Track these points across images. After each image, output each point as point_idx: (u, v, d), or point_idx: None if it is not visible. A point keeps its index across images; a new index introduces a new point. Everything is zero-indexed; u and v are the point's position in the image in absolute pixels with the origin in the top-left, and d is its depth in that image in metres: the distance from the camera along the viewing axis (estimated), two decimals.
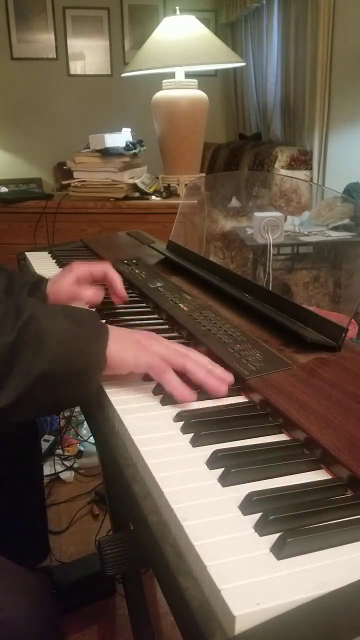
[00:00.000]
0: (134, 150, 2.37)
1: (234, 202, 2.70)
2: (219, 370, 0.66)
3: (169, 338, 0.81)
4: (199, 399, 0.64)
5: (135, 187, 2.42)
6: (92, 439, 1.95)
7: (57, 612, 0.77)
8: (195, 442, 0.55)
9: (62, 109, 4.63)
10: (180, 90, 2.37)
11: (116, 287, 0.94)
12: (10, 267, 1.01)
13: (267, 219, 2.08)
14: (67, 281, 0.92)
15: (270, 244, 2.15)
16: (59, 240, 2.37)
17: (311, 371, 0.66)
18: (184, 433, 0.57)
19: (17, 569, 0.72)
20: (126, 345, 0.67)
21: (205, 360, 0.67)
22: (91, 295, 0.92)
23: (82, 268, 0.93)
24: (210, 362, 0.68)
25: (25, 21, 4.46)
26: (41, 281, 0.93)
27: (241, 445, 0.55)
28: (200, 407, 0.62)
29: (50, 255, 1.33)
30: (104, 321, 0.74)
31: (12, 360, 0.59)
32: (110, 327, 0.68)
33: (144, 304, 0.96)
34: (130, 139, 2.41)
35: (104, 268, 0.94)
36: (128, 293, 1.03)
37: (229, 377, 0.66)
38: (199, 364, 0.66)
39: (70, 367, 0.62)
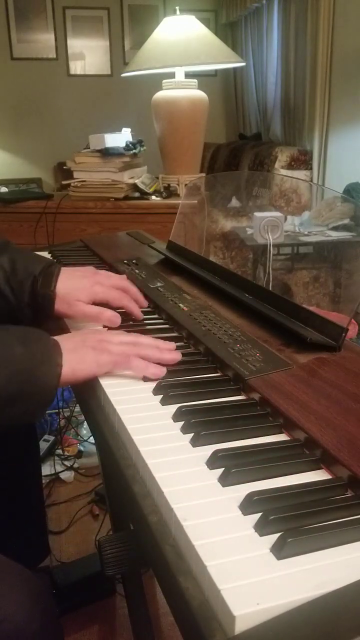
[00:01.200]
0: (134, 150, 2.37)
1: (234, 202, 2.70)
2: (164, 344, 0.73)
3: (169, 338, 0.81)
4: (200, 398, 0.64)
5: (135, 187, 2.42)
6: (92, 439, 1.95)
7: (58, 612, 0.77)
8: (195, 442, 0.55)
9: (62, 109, 4.63)
10: (180, 90, 2.37)
11: (136, 317, 0.88)
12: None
13: (267, 219, 2.08)
14: (82, 300, 0.86)
15: (270, 244, 2.15)
16: (59, 240, 2.37)
17: (311, 371, 0.66)
18: (184, 433, 0.57)
19: (17, 568, 0.72)
20: (83, 354, 0.68)
21: (151, 341, 0.73)
22: (108, 318, 0.84)
23: (102, 296, 0.87)
24: (153, 339, 0.73)
25: (25, 21, 4.46)
26: (51, 274, 0.87)
27: (241, 445, 0.55)
28: (201, 403, 0.62)
29: (50, 255, 1.32)
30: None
31: None
32: (60, 339, 0.70)
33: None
34: (130, 139, 2.41)
35: (124, 304, 0.87)
36: None
37: (172, 345, 0.74)
38: (150, 346, 0.71)
39: (19, 392, 0.63)
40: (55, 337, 0.70)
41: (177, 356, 0.72)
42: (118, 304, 0.87)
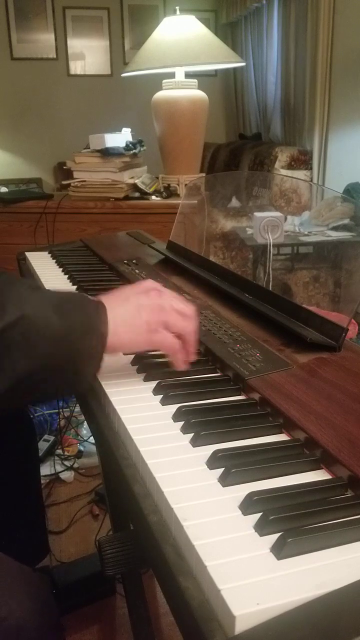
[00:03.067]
0: (134, 150, 2.37)
1: (234, 202, 2.70)
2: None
3: None
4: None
5: (135, 187, 2.42)
6: (92, 439, 1.95)
7: (58, 611, 0.77)
8: (195, 442, 0.55)
9: (62, 109, 4.63)
10: (180, 90, 2.37)
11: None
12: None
13: (267, 219, 2.08)
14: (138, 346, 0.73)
15: (270, 244, 2.15)
16: (59, 240, 2.37)
17: (311, 371, 0.66)
18: (184, 433, 0.57)
19: (18, 567, 0.72)
20: (136, 328, 0.65)
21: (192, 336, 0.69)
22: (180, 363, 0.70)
23: (160, 341, 0.70)
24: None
25: (25, 21, 4.46)
26: (97, 325, 0.69)
27: (241, 445, 0.55)
28: (201, 403, 0.62)
29: (50, 255, 1.33)
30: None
31: None
32: (109, 302, 0.66)
33: None
34: (130, 139, 2.41)
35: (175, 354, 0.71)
36: None
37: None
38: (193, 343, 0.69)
39: (58, 365, 0.61)
40: (103, 298, 0.66)
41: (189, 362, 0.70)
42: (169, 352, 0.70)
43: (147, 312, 0.66)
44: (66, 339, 0.60)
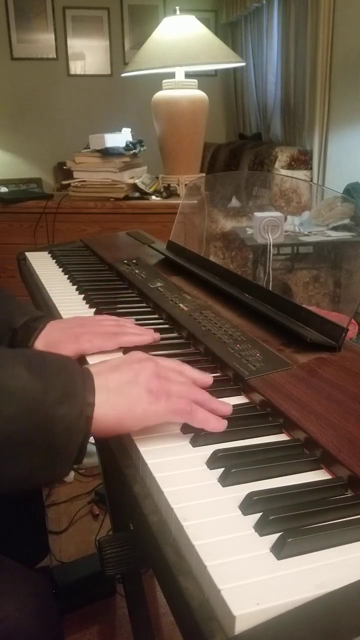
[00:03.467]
0: (134, 150, 2.37)
1: (234, 202, 2.70)
2: (217, 404, 0.58)
3: (169, 338, 0.81)
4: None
5: (135, 187, 2.42)
6: (92, 439, 1.95)
7: (58, 611, 0.77)
8: (195, 442, 0.55)
9: (62, 109, 4.63)
10: (180, 90, 2.37)
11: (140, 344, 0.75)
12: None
13: (267, 219, 2.08)
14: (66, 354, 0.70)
15: (270, 244, 2.15)
16: (59, 240, 2.37)
17: (311, 371, 0.66)
18: (184, 433, 0.57)
19: (18, 567, 0.72)
20: (135, 397, 0.53)
21: (204, 378, 0.60)
22: None
23: (90, 346, 0.73)
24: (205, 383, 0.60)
25: (25, 21, 4.46)
26: (33, 329, 0.74)
27: (241, 445, 0.55)
28: None
29: (50, 255, 1.33)
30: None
31: None
32: (97, 371, 0.54)
33: (144, 304, 0.96)
34: (130, 139, 2.42)
35: (115, 343, 0.74)
36: (128, 293, 1.03)
37: (228, 408, 0.58)
38: (204, 391, 0.58)
39: (27, 437, 0.47)
40: (90, 366, 0.55)
41: (228, 408, 0.58)
42: (112, 346, 0.73)
43: (145, 377, 0.54)
44: (39, 403, 0.48)
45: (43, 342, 0.73)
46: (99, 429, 0.51)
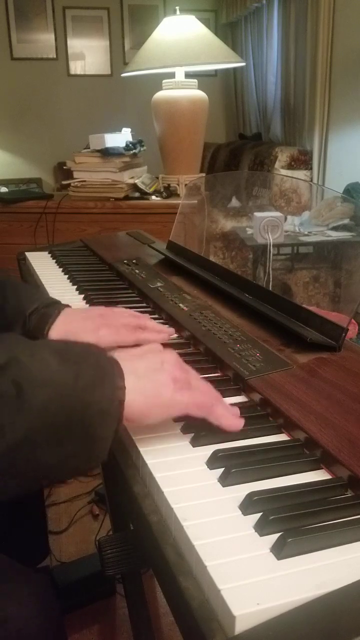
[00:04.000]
0: (134, 150, 2.37)
1: (234, 202, 2.70)
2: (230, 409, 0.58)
3: (169, 338, 0.81)
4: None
5: (135, 187, 2.42)
6: None
7: (61, 611, 0.76)
8: (195, 442, 0.55)
9: (62, 109, 4.63)
10: (180, 90, 2.37)
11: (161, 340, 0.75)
12: (11, 273, 0.88)
13: (267, 219, 2.08)
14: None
15: (270, 244, 2.15)
16: (59, 240, 2.37)
17: (311, 371, 0.66)
18: (184, 433, 0.57)
19: (20, 568, 0.72)
20: (161, 384, 0.52)
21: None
22: None
23: (109, 339, 0.72)
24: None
25: (25, 21, 4.46)
26: (47, 316, 0.73)
27: (241, 445, 0.55)
28: None
29: (50, 255, 1.33)
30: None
31: None
32: (123, 357, 0.52)
33: (144, 304, 0.96)
34: (130, 139, 2.41)
35: (138, 340, 0.73)
36: (128, 293, 1.03)
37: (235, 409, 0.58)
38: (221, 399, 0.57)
39: (63, 424, 0.46)
40: (115, 354, 0.53)
41: (237, 411, 0.57)
42: (130, 341, 0.72)
43: (170, 366, 0.54)
44: (70, 388, 0.47)
45: (60, 330, 0.71)
46: (128, 414, 0.50)
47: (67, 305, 0.77)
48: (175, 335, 0.81)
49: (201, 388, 0.55)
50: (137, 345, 0.71)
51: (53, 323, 0.72)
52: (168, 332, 0.78)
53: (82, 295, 1.02)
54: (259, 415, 0.60)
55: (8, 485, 0.45)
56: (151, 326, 0.76)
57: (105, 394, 0.48)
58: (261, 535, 0.43)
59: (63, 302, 0.89)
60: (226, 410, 0.55)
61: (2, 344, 0.49)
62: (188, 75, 2.42)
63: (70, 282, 1.10)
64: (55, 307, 0.74)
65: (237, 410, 0.58)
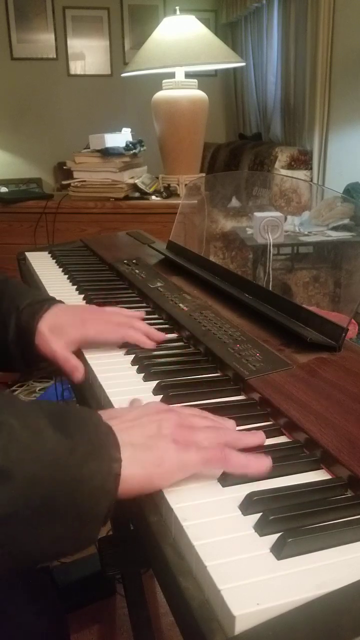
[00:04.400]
0: (134, 150, 2.37)
1: (234, 202, 2.71)
2: (249, 438, 0.53)
3: (170, 339, 0.81)
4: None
5: (135, 187, 2.42)
6: None
7: (63, 610, 0.76)
8: None
9: (62, 109, 4.63)
10: (180, 90, 2.37)
11: (146, 347, 0.76)
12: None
13: (267, 219, 2.08)
14: (67, 338, 0.73)
15: (270, 244, 2.15)
16: (59, 240, 2.37)
17: (311, 371, 0.66)
18: None
19: (21, 568, 0.72)
20: (163, 451, 0.47)
21: (229, 422, 0.54)
22: (70, 368, 0.71)
23: (95, 332, 0.74)
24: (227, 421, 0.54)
25: (25, 21, 4.46)
26: (39, 309, 0.74)
27: None
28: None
29: (50, 255, 1.33)
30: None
31: None
32: (117, 426, 0.48)
33: (144, 304, 0.96)
34: (130, 139, 2.41)
35: (125, 337, 0.75)
36: (128, 293, 1.03)
37: (261, 438, 0.53)
38: (232, 430, 0.53)
39: (51, 500, 0.42)
40: (110, 422, 0.49)
41: (261, 438, 0.53)
42: (115, 338, 0.74)
43: (170, 429, 0.49)
44: (63, 461, 0.43)
45: (49, 323, 0.73)
46: (126, 490, 0.45)
47: (61, 302, 0.78)
48: (175, 336, 0.81)
49: (210, 439, 0.50)
50: (124, 346, 0.74)
51: (42, 316, 0.73)
52: (157, 339, 0.76)
53: (82, 295, 1.02)
54: (258, 415, 0.60)
55: None
56: (139, 326, 0.76)
57: (101, 468, 0.44)
58: (261, 535, 0.43)
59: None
60: (240, 457, 0.49)
61: None
62: (188, 75, 2.42)
63: (70, 282, 1.10)
64: (47, 302, 0.76)
65: (260, 438, 0.53)
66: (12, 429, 0.42)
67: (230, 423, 0.55)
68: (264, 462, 0.48)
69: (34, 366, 0.75)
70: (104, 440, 0.46)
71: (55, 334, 0.72)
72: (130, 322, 0.76)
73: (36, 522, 0.41)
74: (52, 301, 0.77)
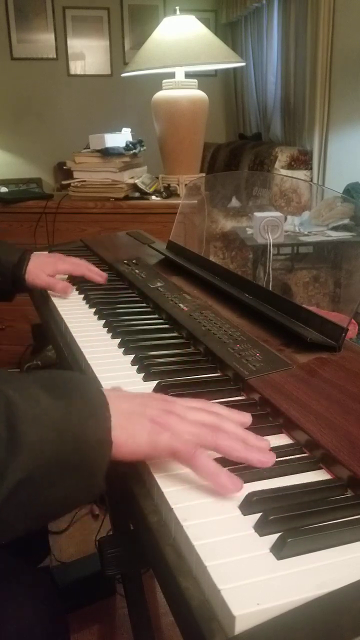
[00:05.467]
0: (134, 150, 2.36)
1: (234, 202, 2.71)
2: (255, 439, 0.53)
3: (170, 338, 0.81)
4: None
5: (135, 187, 2.42)
6: None
7: (63, 611, 0.76)
8: None
9: (62, 109, 4.63)
10: (180, 90, 2.37)
11: (97, 281, 1.08)
12: None
13: (267, 219, 2.08)
14: (46, 273, 1.05)
15: (270, 244, 2.15)
16: (59, 240, 2.37)
17: (311, 371, 0.66)
18: None
19: (22, 568, 0.72)
20: (136, 423, 0.50)
21: (238, 429, 0.53)
22: (61, 288, 1.03)
23: (64, 268, 1.08)
24: (239, 428, 0.53)
25: (25, 21, 4.46)
26: (24, 260, 1.06)
27: None
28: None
29: None
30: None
31: None
32: (112, 395, 0.52)
33: (144, 304, 0.96)
34: (130, 139, 2.41)
35: (83, 272, 1.08)
36: (128, 293, 1.03)
37: (265, 443, 0.53)
38: (232, 436, 0.51)
39: (61, 457, 0.45)
40: (107, 391, 0.53)
41: (270, 459, 0.51)
42: (78, 272, 1.07)
43: (154, 411, 0.52)
44: (64, 421, 0.46)
45: (31, 267, 1.05)
46: (115, 447, 0.49)
47: (33, 252, 1.11)
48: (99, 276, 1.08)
49: (192, 435, 0.50)
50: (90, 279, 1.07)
51: (27, 265, 1.05)
52: (104, 276, 1.09)
53: (82, 295, 1.02)
54: (259, 415, 0.60)
55: (16, 527, 0.45)
56: (92, 268, 1.09)
57: (100, 423, 0.48)
58: (261, 535, 0.43)
59: (63, 302, 1.02)
60: (211, 465, 0.48)
61: None
62: (188, 75, 2.42)
63: (70, 282, 1.10)
64: (28, 253, 1.08)
65: (264, 443, 0.53)
66: (12, 402, 0.45)
67: (247, 418, 0.56)
68: (236, 484, 0.47)
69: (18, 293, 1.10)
70: (96, 400, 0.50)
71: (40, 269, 1.05)
72: (86, 264, 1.09)
73: (51, 480, 0.45)
74: (29, 252, 1.09)
